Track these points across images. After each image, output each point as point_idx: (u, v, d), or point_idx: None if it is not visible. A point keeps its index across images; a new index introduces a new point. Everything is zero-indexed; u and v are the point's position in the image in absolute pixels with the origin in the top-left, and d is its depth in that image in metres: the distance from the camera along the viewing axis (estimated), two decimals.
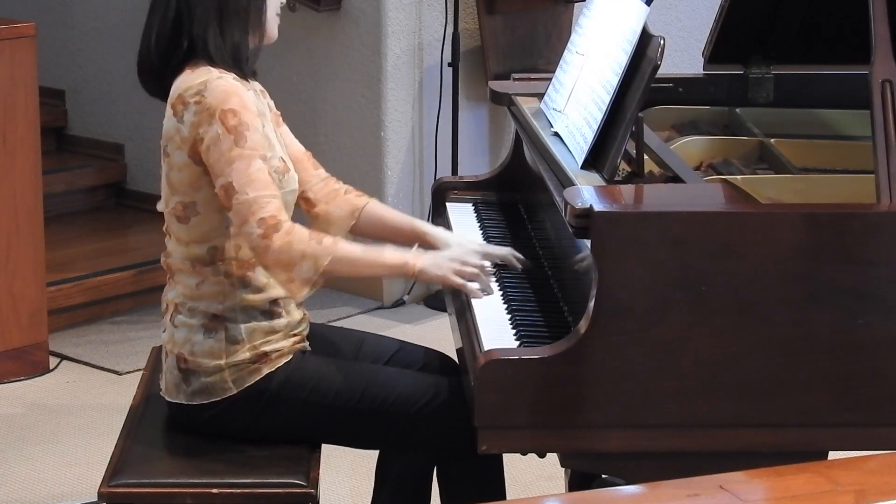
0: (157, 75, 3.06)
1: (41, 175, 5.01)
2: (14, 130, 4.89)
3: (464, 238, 3.27)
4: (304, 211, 3.27)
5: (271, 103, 3.20)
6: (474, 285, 3.03)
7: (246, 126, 2.92)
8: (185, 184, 3.01)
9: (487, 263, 3.09)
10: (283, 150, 3.11)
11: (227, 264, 3.02)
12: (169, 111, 3.02)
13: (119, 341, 5.33)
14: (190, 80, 2.97)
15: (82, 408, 4.80)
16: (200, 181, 2.99)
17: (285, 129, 3.27)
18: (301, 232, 2.93)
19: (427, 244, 3.19)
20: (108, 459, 3.05)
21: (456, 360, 3.15)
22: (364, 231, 3.29)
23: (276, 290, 3.05)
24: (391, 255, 3.03)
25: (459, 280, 3.03)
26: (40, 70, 5.08)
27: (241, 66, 3.03)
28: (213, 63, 2.99)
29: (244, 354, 3.02)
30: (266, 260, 2.93)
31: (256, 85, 3.14)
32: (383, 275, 3.15)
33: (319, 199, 3.28)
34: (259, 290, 3.04)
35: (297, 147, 3.29)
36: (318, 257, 2.92)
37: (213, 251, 3.02)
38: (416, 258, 3.02)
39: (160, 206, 3.11)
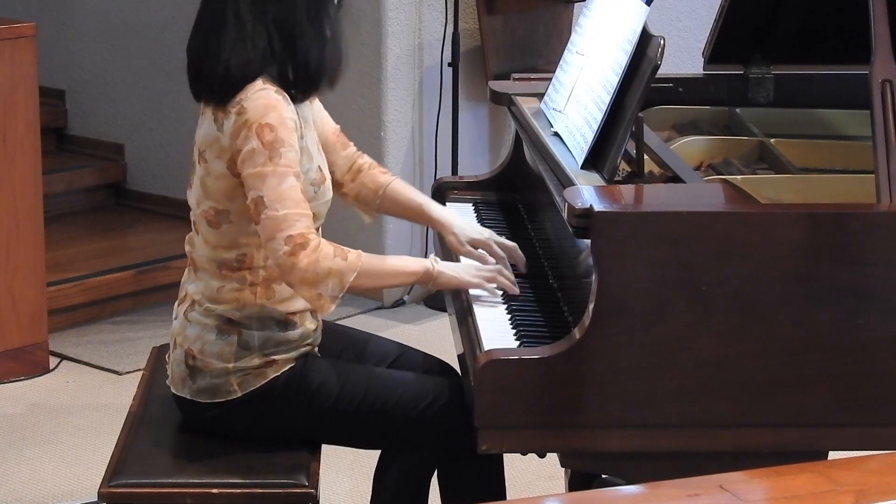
0: (223, 88, 2.98)
1: (41, 175, 5.01)
2: (14, 130, 4.89)
3: (465, 222, 3.30)
4: (334, 193, 3.30)
5: None
6: (492, 286, 3.08)
7: (282, 142, 2.91)
8: (220, 192, 2.99)
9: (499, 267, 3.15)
10: (322, 159, 3.10)
11: (253, 273, 3.01)
12: (209, 116, 2.98)
13: (119, 341, 5.33)
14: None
15: (82, 408, 4.80)
16: (236, 192, 2.97)
17: (318, 105, 3.25)
18: (326, 249, 2.92)
19: (430, 224, 3.32)
20: (108, 459, 3.05)
21: (455, 365, 3.14)
22: (384, 210, 3.34)
23: (297, 304, 3.04)
24: (411, 263, 3.06)
25: (477, 280, 3.07)
26: (40, 70, 5.08)
27: (303, 87, 3.01)
28: (273, 81, 2.97)
29: (253, 361, 3.02)
30: (291, 278, 2.92)
31: None
32: (405, 283, 3.16)
33: (346, 180, 3.31)
34: (280, 302, 3.03)
35: (329, 125, 3.29)
36: (343, 274, 2.93)
37: (242, 258, 3.01)
38: (434, 263, 3.06)
39: (189, 202, 3.07)
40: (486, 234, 3.24)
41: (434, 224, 3.31)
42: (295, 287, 2.95)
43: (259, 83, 2.95)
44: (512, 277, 3.12)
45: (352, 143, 3.35)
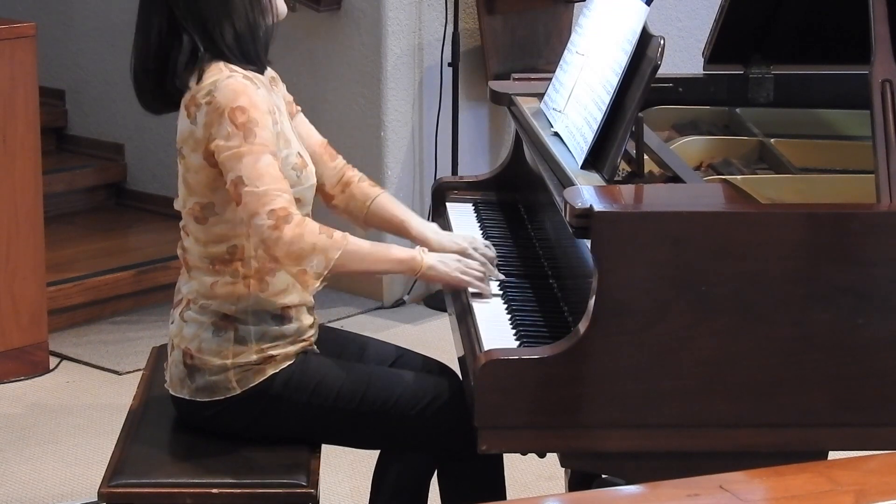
0: (158, 85, 3.04)
1: (41, 175, 5.01)
2: (14, 130, 4.89)
3: (444, 235, 3.28)
4: (323, 203, 3.29)
5: (285, 91, 3.20)
6: (480, 284, 3.08)
7: (255, 122, 2.92)
8: (202, 185, 3.00)
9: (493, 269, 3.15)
10: (300, 145, 3.11)
11: (246, 265, 3.02)
12: (182, 112, 3.01)
13: (119, 341, 5.34)
14: (203, 80, 2.97)
15: (82, 408, 4.80)
16: (217, 182, 2.98)
17: (301, 118, 3.27)
18: (311, 225, 2.94)
19: (411, 240, 3.26)
20: (108, 459, 3.05)
21: (455, 365, 3.14)
22: (370, 223, 3.33)
23: (291, 297, 3.05)
24: (399, 250, 3.06)
25: (466, 278, 3.06)
26: (40, 70, 5.09)
27: (251, 57, 3.02)
28: (224, 59, 2.99)
29: (251, 356, 3.02)
30: (276, 251, 2.92)
31: (269, 72, 3.14)
32: (391, 270, 3.15)
33: (336, 192, 3.31)
34: (274, 295, 3.04)
35: (315, 138, 3.29)
36: (328, 250, 2.93)
37: (233, 250, 3.02)
38: (423, 254, 3.05)
39: (177, 206, 3.09)
40: (463, 243, 3.22)
41: (414, 240, 3.27)
42: (280, 262, 2.94)
43: (225, 71, 2.96)
44: (488, 289, 3.10)
45: (340, 156, 3.35)
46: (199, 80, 2.97)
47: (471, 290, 3.09)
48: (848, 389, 2.78)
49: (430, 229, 3.30)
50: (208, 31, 2.99)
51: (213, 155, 2.95)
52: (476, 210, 3.67)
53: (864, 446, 2.80)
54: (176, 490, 2.95)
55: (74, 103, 6.71)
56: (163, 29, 3.01)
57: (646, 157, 3.09)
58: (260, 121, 2.93)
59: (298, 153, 3.06)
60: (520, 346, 2.88)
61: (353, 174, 3.34)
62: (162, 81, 3.03)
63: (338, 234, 2.96)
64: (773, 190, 3.12)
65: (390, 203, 3.34)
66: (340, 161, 3.34)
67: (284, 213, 2.90)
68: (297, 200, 3.02)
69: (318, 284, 2.95)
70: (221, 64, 2.98)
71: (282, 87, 3.19)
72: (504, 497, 3.21)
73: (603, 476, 3.31)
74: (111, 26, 6.50)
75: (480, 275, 3.09)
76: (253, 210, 2.91)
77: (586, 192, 2.82)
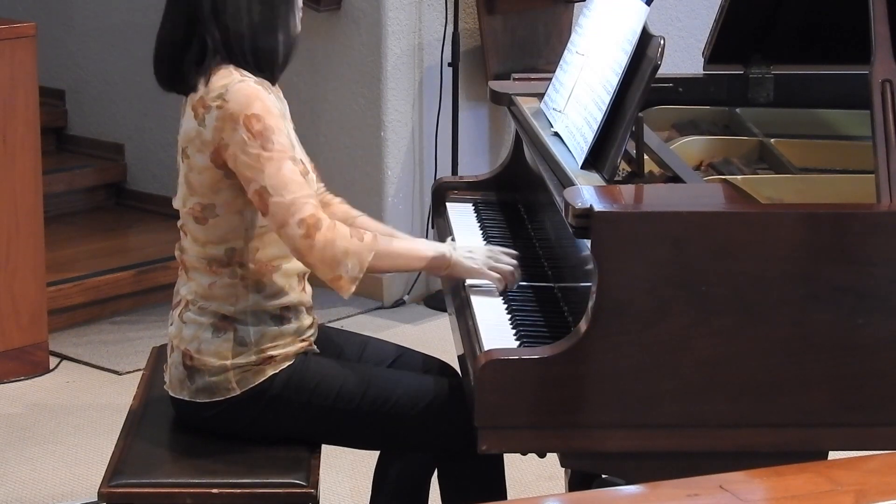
0: (168, 77, 3.05)
1: (41, 175, 5.01)
2: (14, 130, 4.89)
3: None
4: None
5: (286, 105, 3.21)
6: (504, 278, 3.08)
7: (271, 129, 2.92)
8: (205, 186, 3.00)
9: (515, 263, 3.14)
10: (302, 152, 3.11)
11: (244, 267, 3.02)
12: (189, 112, 3.00)
13: (119, 341, 5.34)
14: (211, 82, 2.96)
15: (82, 408, 4.80)
16: (221, 184, 2.98)
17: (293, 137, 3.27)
18: (342, 229, 2.94)
19: None
20: (108, 459, 3.05)
21: (455, 365, 3.14)
22: None
23: (290, 297, 3.05)
24: (428, 247, 3.08)
25: (495, 275, 3.07)
26: (40, 70, 5.08)
27: (274, 71, 3.03)
28: (235, 63, 2.98)
29: (250, 357, 3.02)
30: (311, 258, 2.93)
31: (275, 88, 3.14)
32: (420, 268, 3.17)
33: None
34: (273, 295, 3.04)
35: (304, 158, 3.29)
36: (361, 253, 2.94)
37: (231, 252, 3.02)
38: (451, 249, 3.06)
39: (176, 204, 3.09)
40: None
41: None
42: (315, 268, 2.95)
43: (235, 75, 2.96)
44: (517, 277, 3.11)
45: (322, 184, 3.34)
46: (207, 81, 2.96)
47: (491, 283, 3.09)
48: (848, 389, 2.78)
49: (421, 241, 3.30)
50: (229, 42, 2.98)
51: (222, 158, 2.95)
52: (476, 210, 3.67)
53: (864, 446, 2.80)
54: (176, 490, 2.95)
55: (74, 103, 6.71)
56: (178, 26, 3.01)
57: (646, 157, 3.09)
58: (275, 126, 2.93)
59: (300, 160, 3.06)
60: (520, 346, 2.88)
61: (333, 197, 3.34)
62: (171, 73, 3.03)
63: (368, 235, 2.97)
64: (773, 190, 3.12)
65: (373, 221, 3.33)
66: (322, 186, 3.33)
67: (314, 220, 2.91)
68: None
69: (353, 288, 2.96)
70: (231, 67, 2.98)
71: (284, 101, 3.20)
72: (504, 497, 3.21)
73: (603, 476, 3.31)
74: (111, 26, 6.50)
75: (510, 269, 3.09)
76: (282, 221, 2.91)
77: (586, 192, 2.82)
